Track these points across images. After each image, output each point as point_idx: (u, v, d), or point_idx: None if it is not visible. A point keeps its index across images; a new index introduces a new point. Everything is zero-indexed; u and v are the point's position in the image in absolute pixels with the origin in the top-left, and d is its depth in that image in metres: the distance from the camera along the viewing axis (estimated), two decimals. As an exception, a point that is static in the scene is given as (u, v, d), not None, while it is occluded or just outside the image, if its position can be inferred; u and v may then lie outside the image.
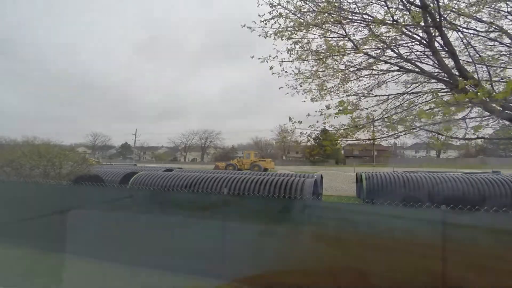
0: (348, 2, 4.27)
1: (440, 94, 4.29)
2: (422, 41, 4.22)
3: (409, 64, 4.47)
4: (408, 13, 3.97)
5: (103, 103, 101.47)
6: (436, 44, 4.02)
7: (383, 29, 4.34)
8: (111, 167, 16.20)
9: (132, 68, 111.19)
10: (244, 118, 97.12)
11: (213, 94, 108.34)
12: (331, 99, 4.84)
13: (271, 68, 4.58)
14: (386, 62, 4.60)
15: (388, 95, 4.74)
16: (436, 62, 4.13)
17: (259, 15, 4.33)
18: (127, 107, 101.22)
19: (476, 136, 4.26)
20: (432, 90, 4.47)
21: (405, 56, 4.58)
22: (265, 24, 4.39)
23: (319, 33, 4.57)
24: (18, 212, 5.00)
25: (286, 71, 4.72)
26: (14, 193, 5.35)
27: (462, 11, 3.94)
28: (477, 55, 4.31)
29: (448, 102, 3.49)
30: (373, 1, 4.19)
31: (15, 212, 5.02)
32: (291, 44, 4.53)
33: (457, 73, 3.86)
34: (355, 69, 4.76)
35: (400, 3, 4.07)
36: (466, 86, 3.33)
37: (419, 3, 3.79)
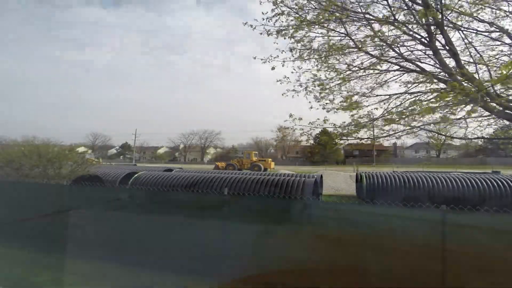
0: (350, 1, 4.26)
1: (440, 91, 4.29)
2: (423, 40, 4.21)
3: (410, 64, 4.47)
4: (409, 11, 3.97)
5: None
6: (437, 44, 4.02)
7: (384, 28, 4.34)
8: (111, 167, 16.20)
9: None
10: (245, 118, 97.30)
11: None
12: (333, 99, 4.84)
13: (273, 68, 4.59)
14: (387, 61, 4.60)
15: (390, 95, 4.74)
16: (437, 62, 4.13)
17: (262, 13, 4.33)
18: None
19: (476, 136, 4.26)
20: (428, 80, 4.45)
21: (406, 56, 4.58)
22: (268, 21, 4.38)
23: (321, 32, 4.57)
24: (18, 212, 4.99)
25: (288, 77, 4.73)
26: (14, 193, 5.34)
27: (464, 11, 3.94)
28: (478, 55, 4.31)
29: (445, 90, 3.49)
30: (375, 0, 4.19)
31: (15, 212, 5.02)
32: (292, 43, 4.53)
33: (456, 71, 3.86)
34: (357, 68, 4.76)
35: (402, 2, 4.06)
36: (463, 82, 3.34)
37: (421, 2, 3.78)
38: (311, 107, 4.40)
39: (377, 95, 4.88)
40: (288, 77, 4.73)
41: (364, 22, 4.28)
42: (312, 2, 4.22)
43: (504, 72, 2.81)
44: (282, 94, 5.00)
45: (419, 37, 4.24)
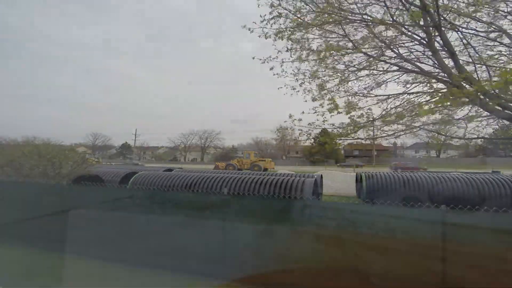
0: (348, 2, 4.27)
1: (440, 94, 4.29)
2: (422, 41, 4.22)
3: (409, 64, 4.47)
4: (407, 12, 3.97)
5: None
6: (436, 45, 4.03)
7: (382, 28, 4.34)
8: (111, 167, 16.21)
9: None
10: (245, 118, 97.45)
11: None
12: (331, 98, 4.84)
13: (271, 68, 4.60)
14: (386, 62, 4.60)
15: (388, 95, 4.75)
16: (436, 62, 4.14)
17: (260, 16, 4.35)
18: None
19: (476, 136, 4.27)
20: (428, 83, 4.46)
21: (405, 56, 4.58)
22: (265, 24, 4.39)
23: (318, 33, 4.58)
24: (18, 212, 4.99)
25: (286, 71, 4.73)
26: (14, 193, 5.34)
27: (462, 11, 3.94)
28: (477, 55, 4.31)
29: (445, 95, 3.49)
30: (373, 2, 4.19)
31: (15, 212, 5.02)
32: (291, 44, 4.54)
33: (456, 73, 3.86)
34: (355, 69, 4.76)
35: (400, 3, 4.07)
36: (462, 83, 3.35)
37: (419, 3, 3.79)
38: (303, 112, 4.40)
39: (376, 95, 4.88)
40: (286, 71, 4.74)
41: (362, 23, 4.29)
42: (310, 5, 4.23)
43: (503, 79, 2.82)
44: (278, 88, 5.01)
45: (418, 38, 4.25)
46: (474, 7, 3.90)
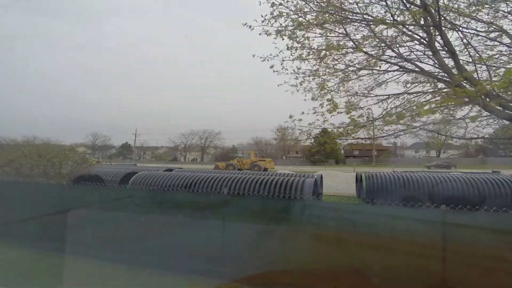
0: (349, 2, 4.27)
1: (442, 93, 4.29)
2: (422, 40, 4.22)
3: (409, 64, 4.47)
4: (408, 12, 3.98)
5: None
6: (436, 44, 4.03)
7: (383, 28, 4.34)
8: (111, 166, 16.22)
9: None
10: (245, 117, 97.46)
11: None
12: (331, 98, 4.84)
13: (271, 66, 4.59)
14: (386, 61, 4.60)
15: (388, 95, 4.74)
16: (436, 62, 4.13)
17: (261, 16, 4.35)
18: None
19: (476, 136, 4.27)
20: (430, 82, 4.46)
21: (405, 56, 4.58)
22: (266, 23, 4.39)
23: (319, 32, 4.58)
24: (18, 212, 4.99)
25: (286, 69, 4.72)
26: (14, 193, 5.35)
27: (462, 11, 3.94)
28: (477, 55, 4.32)
29: (448, 94, 3.49)
30: (374, 1, 4.20)
31: (15, 212, 5.02)
32: (291, 43, 4.54)
33: (457, 72, 3.86)
34: (355, 68, 4.76)
35: (401, 3, 4.07)
36: (463, 82, 3.35)
37: (419, 3, 3.79)
38: (303, 113, 4.39)
39: (376, 95, 4.88)
40: (286, 69, 4.73)
41: (363, 23, 4.29)
42: (311, 4, 4.23)
43: (507, 78, 2.81)
44: (278, 85, 4.97)
45: (418, 37, 4.25)
46: (474, 7, 3.90)
